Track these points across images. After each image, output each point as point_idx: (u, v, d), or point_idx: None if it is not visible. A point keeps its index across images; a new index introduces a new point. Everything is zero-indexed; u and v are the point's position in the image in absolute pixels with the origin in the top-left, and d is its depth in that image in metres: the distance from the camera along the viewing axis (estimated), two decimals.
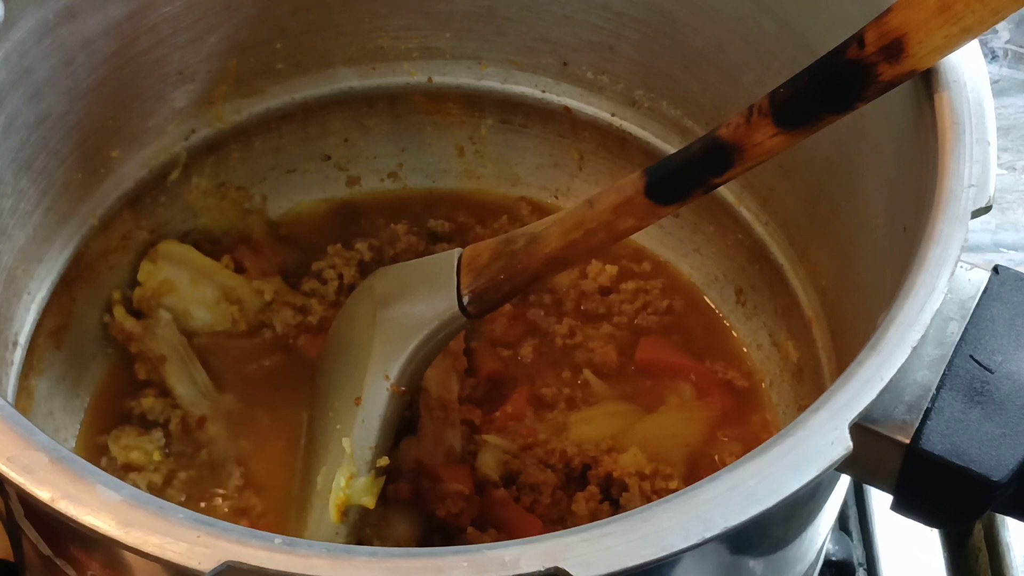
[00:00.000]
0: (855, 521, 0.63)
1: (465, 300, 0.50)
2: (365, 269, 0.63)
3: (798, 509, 0.42)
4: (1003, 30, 0.88)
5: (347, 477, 0.50)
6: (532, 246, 0.48)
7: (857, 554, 0.61)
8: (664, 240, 0.64)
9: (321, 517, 0.51)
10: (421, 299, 0.51)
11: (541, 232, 0.48)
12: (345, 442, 0.50)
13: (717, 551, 0.38)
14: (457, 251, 0.51)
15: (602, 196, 0.46)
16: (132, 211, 0.60)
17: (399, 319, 0.51)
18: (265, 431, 0.57)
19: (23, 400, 0.54)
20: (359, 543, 0.51)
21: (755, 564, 0.42)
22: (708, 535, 0.33)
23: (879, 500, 0.64)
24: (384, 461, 0.51)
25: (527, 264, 0.48)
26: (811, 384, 0.55)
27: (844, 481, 0.45)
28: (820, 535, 0.48)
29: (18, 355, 0.54)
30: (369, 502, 0.50)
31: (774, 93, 0.42)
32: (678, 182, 0.44)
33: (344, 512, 0.50)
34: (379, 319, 0.51)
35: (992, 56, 0.86)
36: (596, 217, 0.46)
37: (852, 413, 0.35)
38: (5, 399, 0.42)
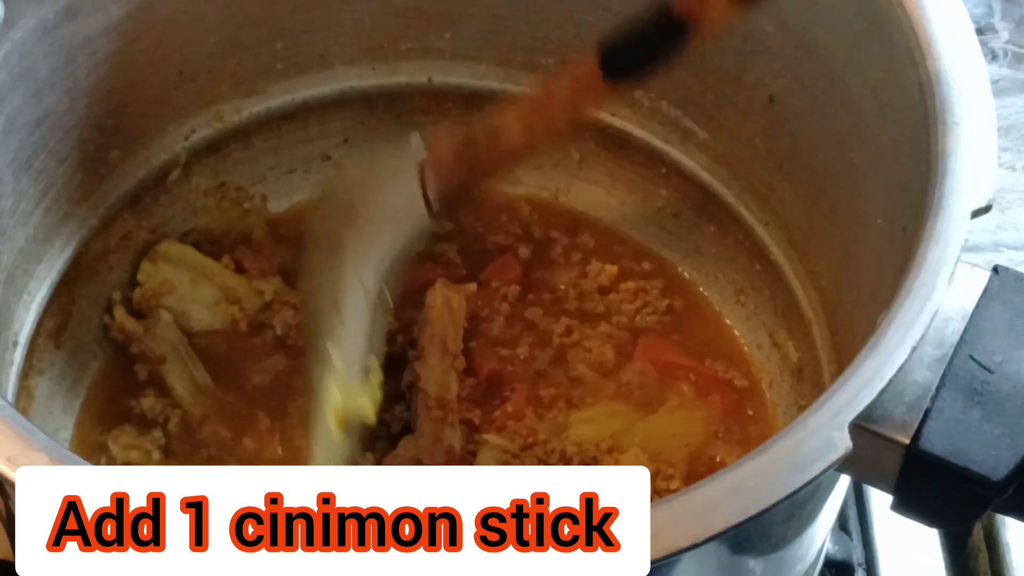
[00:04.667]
0: (855, 521, 0.63)
1: (432, 201, 0.49)
2: None
3: (798, 509, 0.42)
4: (1003, 30, 0.88)
5: (338, 382, 0.49)
6: (494, 140, 0.47)
7: (857, 554, 0.61)
8: (664, 240, 0.64)
9: (324, 429, 0.50)
10: (388, 203, 0.50)
11: (501, 124, 0.47)
12: (328, 345, 0.49)
13: (717, 551, 0.38)
14: (416, 143, 0.50)
15: (558, 78, 0.46)
16: (132, 211, 0.60)
17: (367, 225, 0.50)
18: (264, 432, 0.57)
19: (23, 400, 0.54)
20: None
21: (755, 564, 0.42)
22: (708, 535, 0.33)
23: (879, 500, 0.64)
24: (376, 369, 0.50)
25: (491, 158, 0.48)
26: (811, 384, 0.55)
27: (844, 481, 0.45)
28: (820, 535, 0.48)
29: (18, 355, 0.54)
30: (368, 410, 0.49)
31: None
32: (632, 53, 0.44)
33: (345, 425, 0.49)
34: (348, 223, 0.51)
35: (992, 56, 0.86)
36: (554, 100, 0.46)
37: (852, 413, 0.35)
38: (5, 399, 0.42)
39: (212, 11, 0.58)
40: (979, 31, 0.85)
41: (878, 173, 0.48)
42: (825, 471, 0.34)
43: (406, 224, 0.50)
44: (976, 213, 0.40)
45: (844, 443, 0.34)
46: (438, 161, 0.49)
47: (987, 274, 0.40)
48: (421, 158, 0.50)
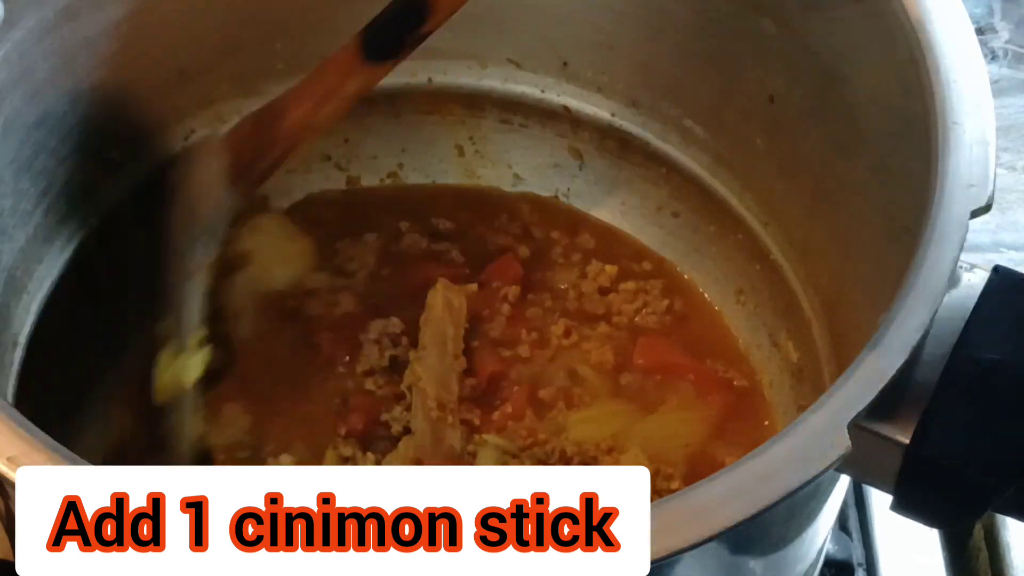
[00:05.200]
0: (855, 521, 0.63)
1: (234, 177, 0.54)
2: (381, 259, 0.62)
3: (798, 509, 0.42)
4: (1003, 30, 0.88)
5: (169, 357, 0.52)
6: (279, 121, 0.53)
7: (857, 554, 0.61)
8: (664, 240, 0.64)
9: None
10: (197, 182, 0.54)
11: (284, 105, 0.53)
12: (159, 328, 0.52)
13: (717, 551, 0.38)
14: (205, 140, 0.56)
15: (328, 64, 0.52)
16: (132, 211, 0.60)
17: (183, 205, 0.54)
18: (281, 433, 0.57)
19: (23, 400, 0.54)
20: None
21: (755, 564, 0.42)
22: (706, 535, 0.33)
23: (879, 500, 0.64)
24: (197, 344, 0.53)
25: (279, 135, 0.53)
26: (811, 384, 0.55)
27: (844, 481, 0.45)
28: (820, 535, 0.48)
29: (18, 355, 0.54)
30: (187, 377, 0.52)
31: None
32: (386, 36, 0.50)
33: (168, 393, 0.52)
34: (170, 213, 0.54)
35: (992, 56, 0.86)
36: (325, 86, 0.52)
37: (851, 413, 0.35)
38: (5, 399, 0.42)
39: (212, 11, 0.58)
40: (979, 31, 0.85)
41: (877, 173, 0.48)
42: (824, 471, 0.34)
43: (212, 201, 0.54)
44: (976, 213, 0.40)
45: (843, 443, 0.34)
46: (236, 139, 0.54)
47: (987, 274, 0.40)
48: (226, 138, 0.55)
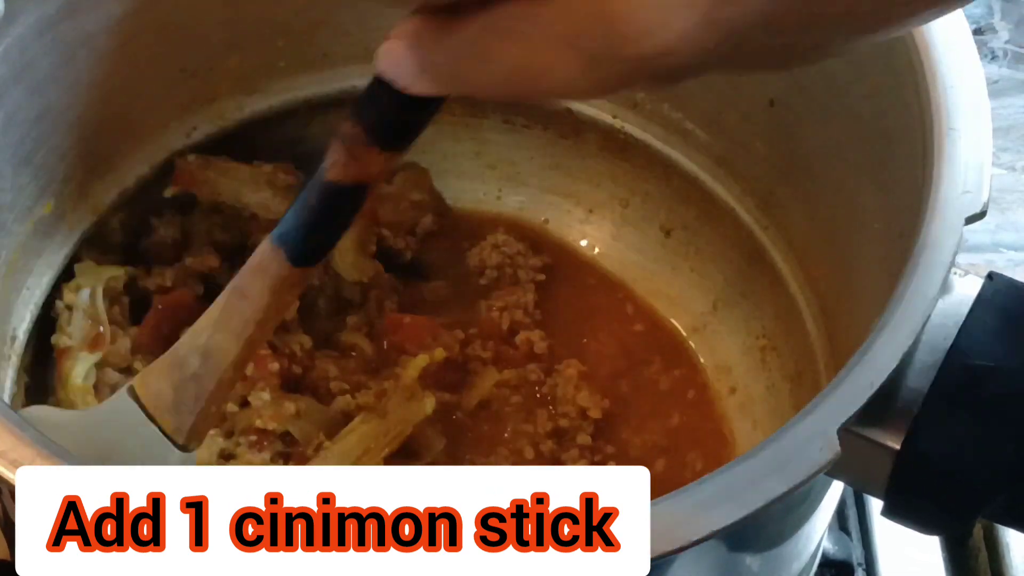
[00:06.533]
0: (854, 521, 0.63)
1: (181, 441, 0.43)
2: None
3: (792, 509, 0.43)
4: (1003, 30, 0.88)
5: None
6: (210, 363, 0.41)
7: (856, 554, 0.62)
8: (663, 241, 0.64)
9: None
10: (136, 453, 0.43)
11: (211, 346, 0.41)
12: None
13: (713, 549, 0.38)
14: (124, 395, 0.43)
15: (249, 282, 0.40)
16: (132, 208, 0.60)
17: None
18: None
19: (21, 396, 0.54)
20: None
21: (752, 561, 0.42)
22: (695, 538, 0.33)
23: (878, 501, 0.64)
24: None
25: (219, 383, 0.42)
26: (808, 388, 0.55)
27: (839, 481, 0.45)
28: (816, 533, 0.48)
29: (16, 350, 0.54)
30: None
31: (360, 117, 0.36)
32: (313, 242, 0.38)
33: None
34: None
35: (991, 56, 0.85)
36: (257, 306, 0.40)
37: (841, 418, 0.35)
38: (2, 395, 0.42)
39: (214, 8, 0.58)
40: (979, 31, 0.85)
41: (875, 177, 0.49)
42: (814, 475, 0.34)
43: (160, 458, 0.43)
44: (970, 219, 0.40)
45: (833, 448, 0.34)
46: (160, 402, 0.42)
47: (980, 281, 0.41)
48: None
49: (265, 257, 0.39)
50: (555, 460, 0.56)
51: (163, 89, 0.59)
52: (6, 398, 0.50)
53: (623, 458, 0.57)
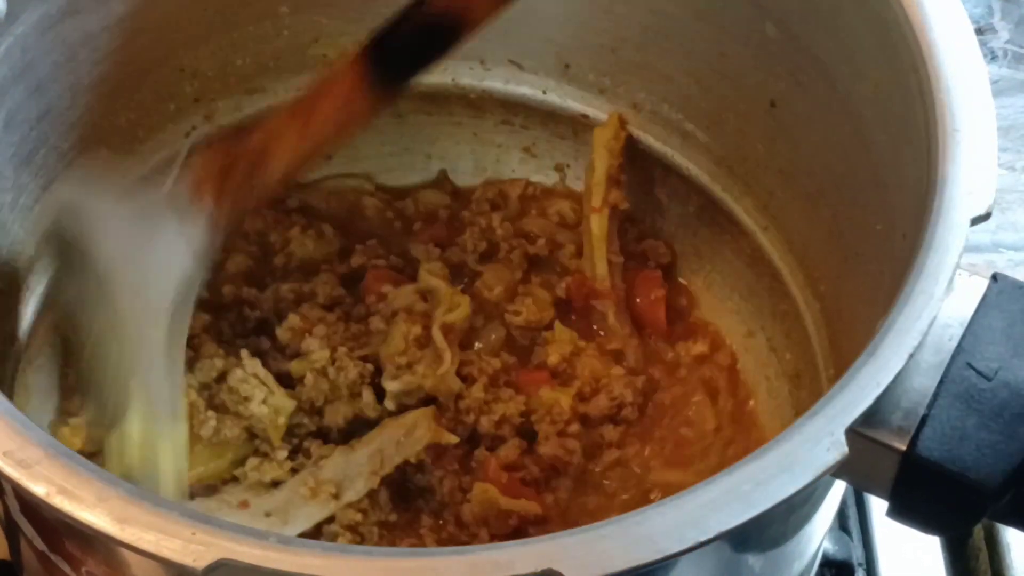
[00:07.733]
0: (855, 521, 0.63)
1: (206, 226, 0.44)
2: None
3: (795, 510, 0.42)
4: (1003, 30, 0.88)
5: (141, 423, 0.45)
6: (260, 170, 0.42)
7: (857, 554, 0.61)
8: (663, 242, 0.64)
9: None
10: (152, 257, 0.44)
11: (265, 149, 0.42)
12: (133, 383, 0.45)
13: (719, 548, 0.38)
14: (170, 182, 0.45)
15: (321, 99, 0.41)
16: None
17: (136, 287, 0.45)
18: None
19: (21, 395, 0.54)
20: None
21: (754, 561, 0.42)
22: (702, 539, 0.33)
23: (879, 501, 0.63)
24: (183, 417, 0.46)
25: (263, 189, 0.43)
26: (809, 390, 0.55)
27: (841, 481, 0.45)
28: (818, 533, 0.48)
29: (16, 349, 0.54)
30: (167, 454, 0.45)
31: None
32: (400, 59, 0.40)
33: (131, 469, 0.45)
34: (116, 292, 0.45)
35: (992, 56, 0.85)
36: (317, 116, 0.41)
37: (848, 419, 0.35)
38: (3, 394, 0.42)
39: (213, 8, 0.58)
40: (979, 31, 0.85)
41: (877, 179, 0.48)
42: (820, 476, 0.34)
43: (178, 267, 0.45)
44: (975, 220, 0.40)
45: (840, 449, 0.34)
46: (201, 189, 0.44)
47: (985, 282, 0.40)
48: (177, 191, 0.45)
49: (343, 70, 0.40)
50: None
51: (162, 89, 0.59)
52: (7, 398, 0.50)
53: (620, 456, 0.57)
